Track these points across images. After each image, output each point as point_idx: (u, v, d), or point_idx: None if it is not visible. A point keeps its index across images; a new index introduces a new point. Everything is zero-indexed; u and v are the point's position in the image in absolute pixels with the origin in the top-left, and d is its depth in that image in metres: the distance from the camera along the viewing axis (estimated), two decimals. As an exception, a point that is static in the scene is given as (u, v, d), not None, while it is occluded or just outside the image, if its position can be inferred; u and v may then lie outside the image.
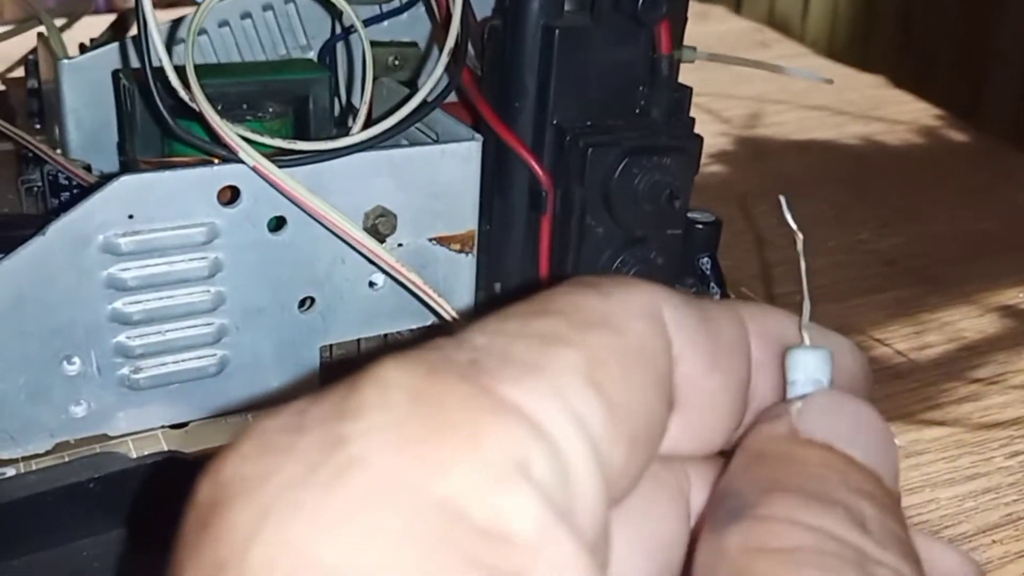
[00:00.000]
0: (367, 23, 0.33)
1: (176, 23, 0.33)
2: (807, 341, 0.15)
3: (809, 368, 0.15)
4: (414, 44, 0.36)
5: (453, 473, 0.10)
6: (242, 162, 0.23)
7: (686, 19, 0.31)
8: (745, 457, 0.15)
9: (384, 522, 0.10)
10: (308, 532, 0.10)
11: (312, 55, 0.36)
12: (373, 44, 0.35)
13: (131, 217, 0.23)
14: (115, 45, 0.34)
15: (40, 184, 0.35)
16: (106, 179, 0.22)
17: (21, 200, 0.35)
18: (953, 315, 0.35)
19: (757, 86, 0.52)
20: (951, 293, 0.37)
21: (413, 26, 0.35)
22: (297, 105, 0.29)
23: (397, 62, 0.36)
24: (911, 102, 0.55)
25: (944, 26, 0.72)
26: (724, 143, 0.48)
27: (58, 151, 0.33)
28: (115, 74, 0.30)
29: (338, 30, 0.35)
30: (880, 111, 0.54)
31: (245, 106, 0.28)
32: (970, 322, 0.35)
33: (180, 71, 0.23)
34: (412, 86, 0.36)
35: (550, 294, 0.14)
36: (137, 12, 0.23)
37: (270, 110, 0.28)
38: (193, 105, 0.23)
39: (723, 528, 0.13)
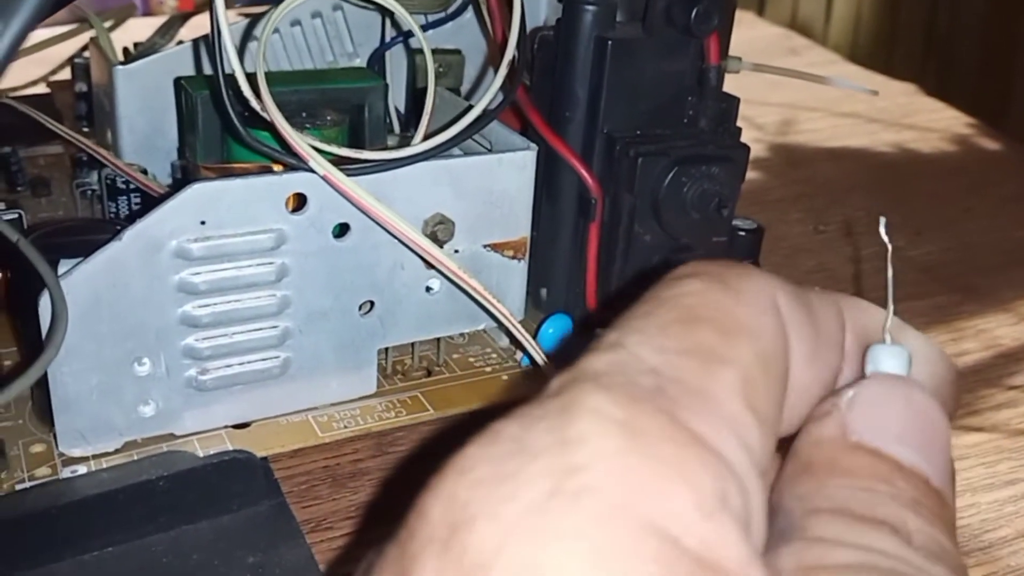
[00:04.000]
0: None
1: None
2: (888, 340, 0.16)
3: (886, 366, 0.15)
4: (457, 51, 0.37)
5: (673, 503, 0.11)
6: (311, 170, 0.24)
7: (731, 29, 0.31)
8: (795, 467, 0.15)
9: (616, 544, 0.11)
10: (550, 552, 0.11)
11: (359, 62, 0.37)
12: (418, 52, 0.35)
13: (203, 223, 0.23)
14: (170, 52, 0.35)
15: (95, 187, 0.36)
16: (177, 187, 0.23)
17: (76, 203, 0.36)
18: (989, 322, 0.36)
19: (789, 93, 0.53)
20: (987, 301, 0.37)
21: (456, 33, 0.36)
22: (353, 113, 0.30)
23: (441, 69, 0.36)
24: (942, 110, 0.56)
25: (968, 32, 0.73)
26: (759, 150, 0.49)
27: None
28: (178, 82, 0.30)
29: (386, 37, 0.36)
30: (912, 119, 0.54)
31: (304, 114, 0.29)
32: (1006, 330, 0.35)
33: (251, 79, 0.24)
34: (456, 92, 0.37)
35: (685, 291, 0.14)
36: (212, 20, 0.23)
37: (328, 118, 0.29)
38: (264, 115, 0.23)
39: (775, 549, 0.14)
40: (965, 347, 0.34)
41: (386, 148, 0.28)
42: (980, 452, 0.29)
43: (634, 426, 0.12)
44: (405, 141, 0.27)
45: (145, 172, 0.33)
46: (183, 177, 0.32)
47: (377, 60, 0.36)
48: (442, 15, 0.35)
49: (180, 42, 0.40)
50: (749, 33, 0.64)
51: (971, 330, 0.35)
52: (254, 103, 0.23)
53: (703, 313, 0.14)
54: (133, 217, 0.33)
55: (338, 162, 0.24)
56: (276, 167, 0.26)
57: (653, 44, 0.29)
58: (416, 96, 0.37)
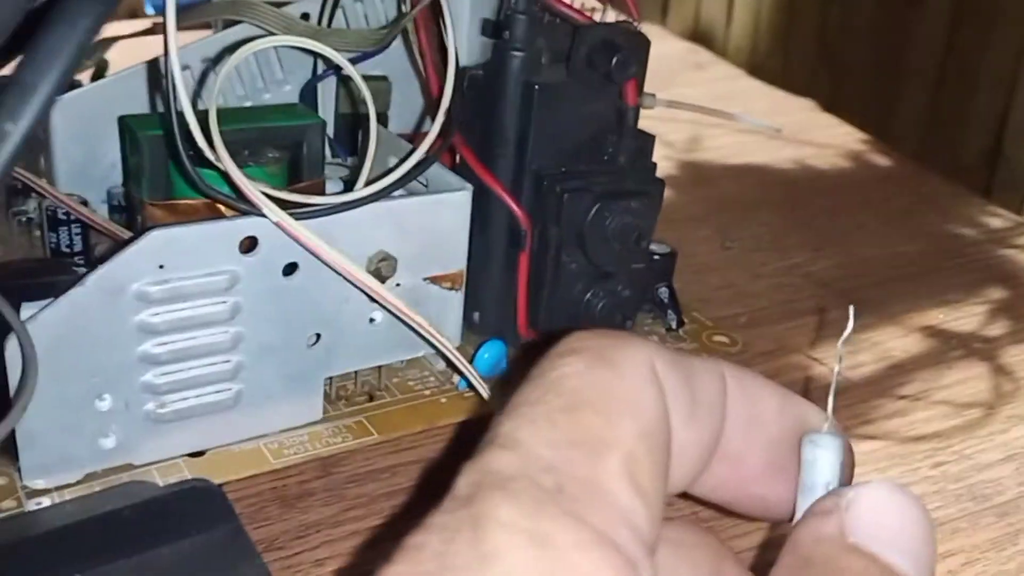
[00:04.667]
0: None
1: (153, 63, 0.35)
2: (825, 427, 0.18)
3: (827, 465, 0.17)
4: (384, 78, 0.39)
5: None
6: (262, 215, 0.25)
7: (646, 71, 0.34)
8: (794, 560, 0.17)
9: None
10: None
11: (289, 88, 0.38)
12: (345, 80, 0.37)
13: (161, 267, 0.25)
14: (105, 82, 0.36)
15: (32, 215, 0.37)
16: (122, 216, 0.24)
17: (11, 230, 0.37)
18: (881, 335, 0.39)
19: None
20: (879, 314, 0.40)
21: (383, 60, 0.38)
22: (292, 149, 0.31)
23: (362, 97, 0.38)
24: (838, 126, 0.59)
25: (858, 34, 0.77)
26: (668, 167, 0.52)
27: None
28: (122, 120, 0.31)
29: (317, 66, 0.38)
30: (810, 135, 0.57)
31: (247, 152, 0.30)
32: (896, 342, 0.39)
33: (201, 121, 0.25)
34: (384, 116, 0.39)
35: (569, 371, 0.16)
36: (165, 60, 0.24)
37: (270, 155, 0.30)
38: (218, 164, 0.25)
39: None
40: (860, 359, 0.37)
41: (323, 190, 0.29)
42: (874, 459, 0.32)
43: (543, 535, 0.13)
44: (339, 171, 0.28)
45: (85, 203, 0.34)
46: (128, 211, 0.33)
47: (309, 92, 0.37)
48: (372, 49, 0.37)
49: (102, 64, 0.40)
50: (657, 49, 0.67)
51: (866, 343, 0.38)
52: (208, 153, 0.25)
53: (586, 396, 0.15)
54: (78, 250, 0.34)
55: (285, 204, 0.26)
56: (222, 208, 0.28)
57: (576, 88, 0.31)
58: (346, 122, 0.39)
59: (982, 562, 0.28)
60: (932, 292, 0.42)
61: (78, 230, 0.34)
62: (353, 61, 0.36)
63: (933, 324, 0.40)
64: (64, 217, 0.34)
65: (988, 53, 0.67)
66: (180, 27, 0.37)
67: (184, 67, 0.35)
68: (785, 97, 0.63)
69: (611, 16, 0.35)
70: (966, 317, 0.41)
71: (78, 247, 0.34)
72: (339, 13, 0.37)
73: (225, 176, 0.26)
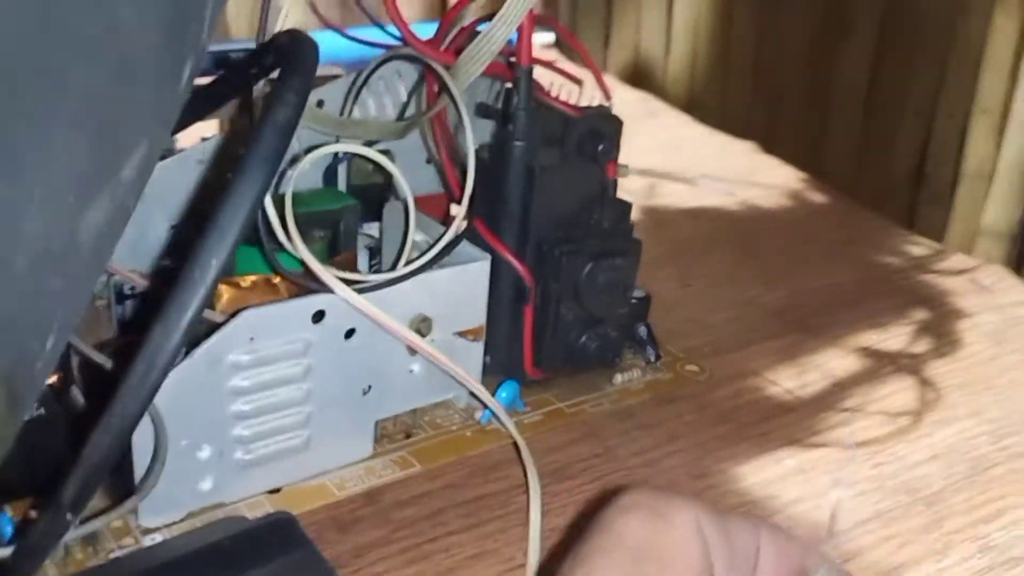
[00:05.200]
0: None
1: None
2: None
3: None
4: (387, 152, 0.44)
5: None
6: (331, 292, 0.31)
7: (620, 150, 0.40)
8: None
9: None
10: None
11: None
12: (356, 156, 0.43)
13: (251, 339, 0.30)
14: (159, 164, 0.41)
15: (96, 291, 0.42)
16: (232, 314, 0.30)
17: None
18: (825, 357, 0.46)
19: (653, 158, 0.62)
20: (823, 338, 0.47)
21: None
22: (333, 228, 0.37)
23: (373, 167, 0.44)
24: (779, 167, 0.67)
25: (791, 69, 0.84)
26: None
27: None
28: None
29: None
30: (755, 176, 0.64)
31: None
32: (838, 362, 0.46)
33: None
34: (387, 187, 0.44)
35: (631, 527, 0.21)
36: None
37: (316, 235, 0.36)
38: (296, 256, 0.31)
39: None
40: (808, 379, 0.44)
41: (355, 260, 0.35)
42: (823, 463, 0.39)
43: None
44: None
45: (145, 277, 0.39)
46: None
47: (330, 173, 0.43)
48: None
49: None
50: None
51: (812, 364, 0.45)
52: (288, 247, 0.30)
53: (646, 548, 0.20)
54: (139, 318, 0.39)
55: (345, 282, 0.32)
56: (275, 278, 0.34)
57: (568, 169, 0.38)
58: (358, 192, 0.44)
59: (915, 544, 0.35)
60: (867, 316, 0.49)
61: (140, 302, 0.40)
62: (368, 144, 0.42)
63: (868, 346, 0.47)
64: (129, 291, 0.39)
65: (911, 82, 0.74)
66: (202, 118, 0.43)
67: (199, 162, 0.41)
68: (729, 141, 0.71)
69: (585, 94, 0.41)
70: (895, 337, 0.48)
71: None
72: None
73: (294, 257, 0.31)
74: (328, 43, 0.38)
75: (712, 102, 0.92)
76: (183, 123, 0.31)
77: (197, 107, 0.29)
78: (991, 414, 0.42)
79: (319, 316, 0.32)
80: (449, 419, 0.38)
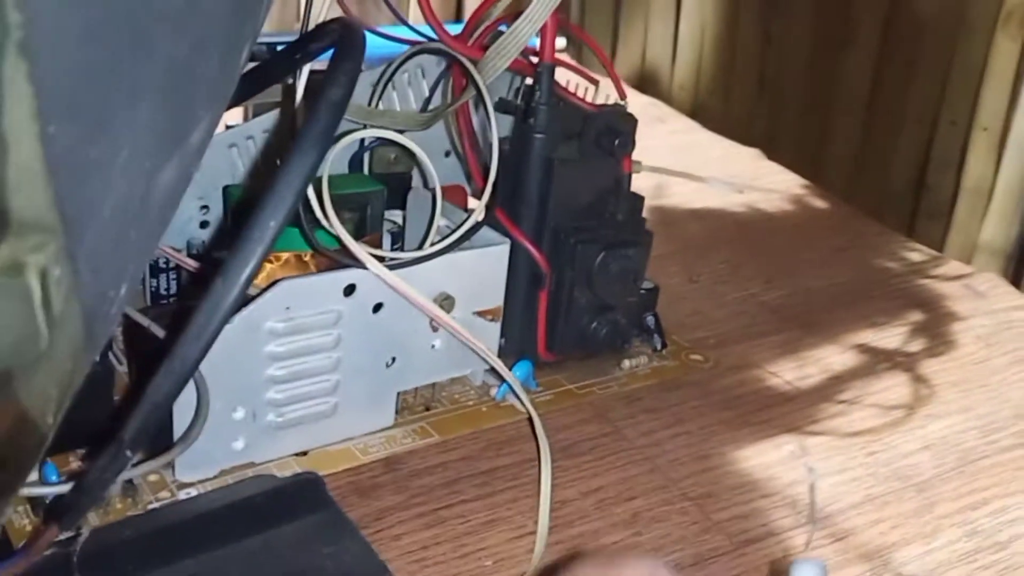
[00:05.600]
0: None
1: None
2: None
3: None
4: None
5: None
6: (363, 267, 0.33)
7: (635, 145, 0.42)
8: None
9: None
10: None
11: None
12: (379, 142, 0.44)
13: (287, 308, 0.32)
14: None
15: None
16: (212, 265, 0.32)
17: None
18: (824, 352, 0.48)
19: (662, 159, 0.64)
20: (822, 335, 0.49)
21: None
22: (360, 211, 0.39)
23: (395, 157, 0.46)
24: (781, 172, 0.69)
25: (794, 78, 0.86)
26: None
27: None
28: (226, 189, 0.39)
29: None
30: (759, 181, 0.67)
31: (328, 214, 0.38)
32: (836, 357, 0.48)
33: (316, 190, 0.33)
34: (407, 177, 0.46)
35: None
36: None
37: (346, 216, 0.38)
38: (332, 231, 0.33)
39: None
40: (807, 372, 0.46)
41: (380, 242, 0.37)
42: (821, 450, 0.41)
43: None
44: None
45: (179, 251, 0.41)
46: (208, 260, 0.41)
47: (357, 160, 0.45)
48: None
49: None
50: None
51: (812, 359, 0.47)
52: (325, 223, 0.32)
53: None
54: (174, 293, 0.41)
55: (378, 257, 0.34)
56: (306, 256, 0.36)
57: (586, 162, 0.40)
58: (379, 179, 0.46)
59: (905, 527, 0.37)
60: (864, 315, 0.51)
61: (174, 276, 0.42)
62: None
63: (865, 342, 0.49)
64: (164, 265, 0.41)
65: (911, 90, 0.76)
66: (238, 104, 0.45)
67: (248, 137, 0.43)
68: (733, 146, 0.73)
69: (599, 93, 0.43)
70: (891, 336, 0.50)
71: (173, 291, 0.42)
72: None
73: (330, 234, 0.33)
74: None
75: (716, 108, 0.94)
76: (235, 100, 0.33)
77: (248, 84, 0.31)
78: (981, 410, 0.44)
79: (350, 289, 0.34)
80: (465, 395, 0.40)
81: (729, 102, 0.93)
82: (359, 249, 0.32)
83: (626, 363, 0.44)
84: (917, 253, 0.59)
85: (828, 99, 0.82)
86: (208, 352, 0.23)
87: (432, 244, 0.35)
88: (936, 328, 0.51)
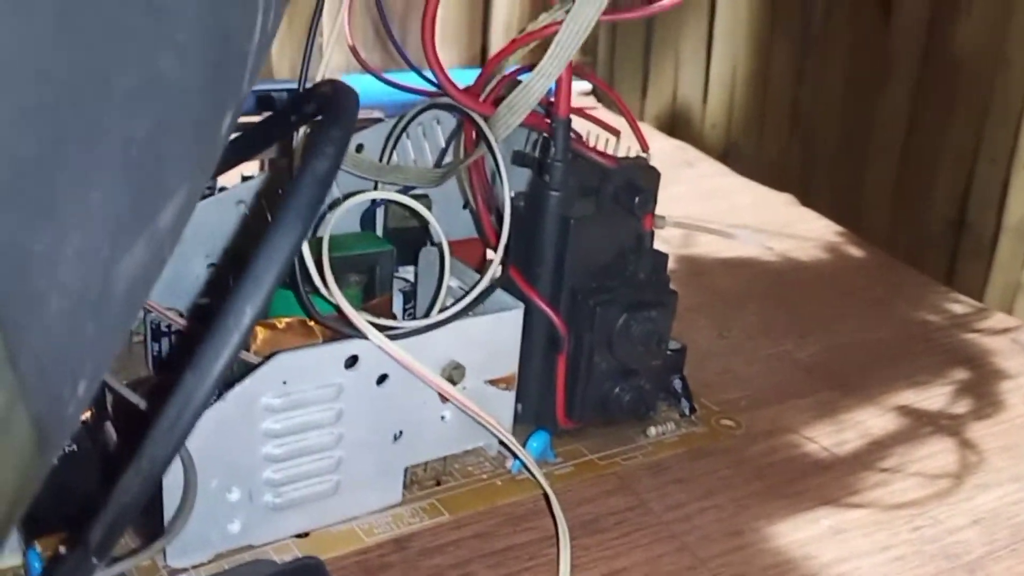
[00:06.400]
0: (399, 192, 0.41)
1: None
2: None
3: None
4: (426, 196, 0.45)
5: None
6: (365, 338, 0.31)
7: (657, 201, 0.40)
8: None
9: None
10: None
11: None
12: (391, 203, 0.43)
13: (284, 383, 0.30)
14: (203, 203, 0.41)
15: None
16: (266, 358, 0.30)
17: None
18: (863, 415, 0.45)
19: (690, 207, 0.62)
20: (859, 396, 0.47)
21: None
22: (369, 273, 0.37)
23: (407, 214, 0.44)
24: (816, 219, 0.66)
25: (829, 111, 0.84)
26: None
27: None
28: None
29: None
30: (792, 228, 0.64)
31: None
32: (875, 420, 0.45)
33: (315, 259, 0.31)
34: (424, 231, 0.45)
35: None
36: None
37: (352, 279, 0.36)
38: (332, 301, 0.31)
39: None
40: (845, 437, 0.43)
41: (391, 304, 0.35)
42: (860, 525, 0.38)
43: None
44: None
45: (182, 315, 0.40)
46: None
47: (368, 217, 0.43)
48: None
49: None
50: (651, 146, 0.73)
51: (849, 422, 0.45)
52: (324, 293, 0.31)
53: None
54: (174, 357, 0.40)
55: (379, 327, 0.32)
56: (310, 321, 0.34)
57: (604, 220, 0.38)
58: (393, 235, 0.44)
59: (955, 611, 0.34)
60: (905, 374, 0.49)
61: (175, 339, 0.40)
62: (403, 190, 0.43)
63: (906, 404, 0.46)
64: (165, 329, 0.40)
65: (949, 129, 0.74)
66: (243, 161, 0.43)
67: (239, 202, 0.41)
68: (766, 192, 0.70)
69: (621, 144, 0.41)
70: (934, 396, 0.47)
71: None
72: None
73: (330, 301, 0.32)
74: (368, 87, 0.38)
75: (749, 149, 0.92)
76: (224, 166, 0.32)
77: (239, 149, 0.29)
78: (1034, 478, 0.41)
79: (352, 361, 0.32)
80: (480, 467, 0.38)
81: (762, 143, 0.91)
82: (359, 319, 0.30)
83: (652, 430, 0.41)
84: (960, 305, 0.56)
85: (864, 138, 0.80)
86: (179, 450, 0.21)
87: (441, 309, 0.33)
88: (983, 387, 0.48)
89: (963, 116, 0.72)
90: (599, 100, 0.79)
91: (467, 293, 0.34)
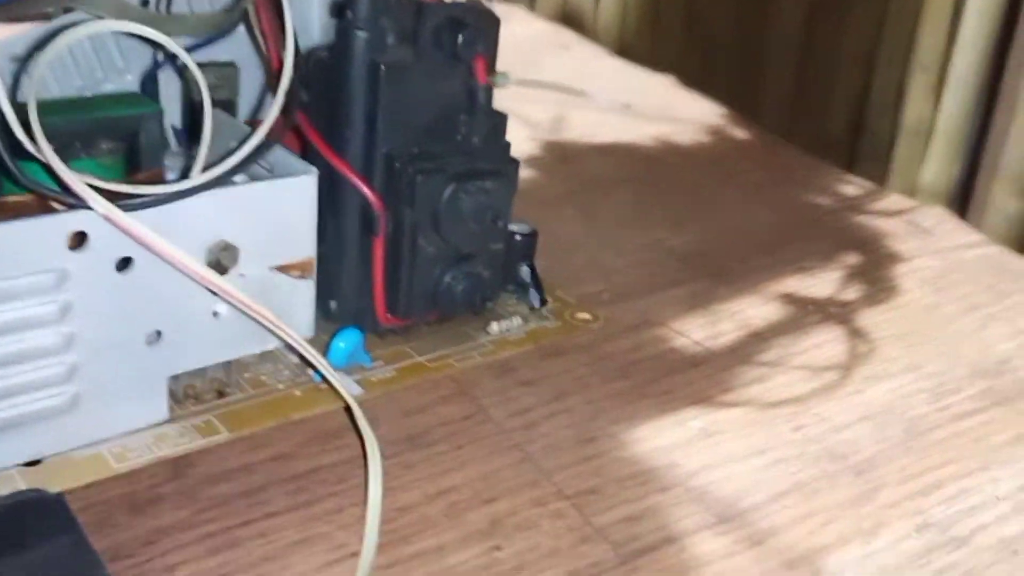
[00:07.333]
0: (189, 50, 0.34)
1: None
2: None
3: None
4: (232, 64, 0.37)
5: None
6: (90, 208, 0.24)
7: (496, 49, 0.33)
8: None
9: None
10: None
11: (130, 78, 0.36)
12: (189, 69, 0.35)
13: (-21, 268, 0.23)
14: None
15: None
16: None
17: None
18: (741, 304, 0.40)
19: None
20: (738, 285, 0.41)
21: (229, 46, 0.36)
22: (130, 140, 0.30)
23: (217, 82, 0.36)
24: (698, 101, 0.60)
25: (724, 19, 0.79)
26: (533, 147, 0.51)
27: None
28: None
29: (159, 55, 0.36)
30: (671, 111, 0.58)
31: (78, 144, 0.29)
32: (756, 310, 0.39)
33: (20, 111, 0.23)
34: (233, 104, 0.37)
35: None
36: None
37: (104, 147, 0.29)
38: (39, 156, 0.23)
39: None
40: (720, 329, 0.38)
41: (163, 180, 0.28)
42: (734, 426, 0.32)
43: None
44: (182, 160, 0.27)
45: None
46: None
47: (150, 80, 0.35)
48: (214, 33, 0.35)
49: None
50: (521, 29, 0.67)
51: (726, 313, 0.39)
52: (28, 146, 0.23)
53: None
54: None
55: (118, 196, 0.25)
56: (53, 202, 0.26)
57: (424, 67, 0.31)
58: (192, 110, 0.37)
59: (840, 521, 0.29)
60: (790, 260, 0.43)
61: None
62: (197, 47, 0.35)
63: (790, 292, 0.41)
64: None
65: (847, 31, 0.69)
66: (17, 18, 0.35)
67: (15, 59, 0.33)
68: (646, 75, 0.64)
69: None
70: (822, 283, 0.42)
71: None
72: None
73: (49, 169, 0.24)
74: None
75: (643, 51, 0.86)
76: None
77: None
78: (931, 368, 0.36)
79: (80, 240, 0.24)
80: (276, 375, 0.31)
81: (656, 48, 0.85)
82: (75, 179, 0.23)
83: (494, 326, 0.35)
84: (852, 186, 0.51)
85: (761, 40, 0.76)
86: None
87: (203, 172, 0.26)
88: (875, 272, 0.43)
89: (861, 14, 0.68)
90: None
91: (234, 151, 0.27)
